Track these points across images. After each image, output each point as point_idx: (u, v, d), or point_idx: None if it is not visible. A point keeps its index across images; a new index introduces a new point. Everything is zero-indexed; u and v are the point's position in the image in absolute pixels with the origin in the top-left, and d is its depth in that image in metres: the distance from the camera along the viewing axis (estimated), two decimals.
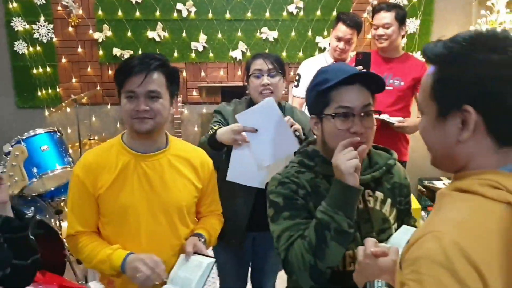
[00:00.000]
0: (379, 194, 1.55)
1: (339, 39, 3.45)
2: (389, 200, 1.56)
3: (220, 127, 2.20)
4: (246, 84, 2.35)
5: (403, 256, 0.95)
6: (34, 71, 4.25)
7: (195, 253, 1.77)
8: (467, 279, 0.82)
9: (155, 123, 1.73)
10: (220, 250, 2.45)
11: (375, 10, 3.30)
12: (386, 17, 3.20)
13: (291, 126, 2.12)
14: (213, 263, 1.77)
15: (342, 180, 1.38)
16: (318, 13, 4.36)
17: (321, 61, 3.73)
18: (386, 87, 3.23)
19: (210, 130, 2.22)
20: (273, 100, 2.03)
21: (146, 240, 1.78)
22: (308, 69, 3.69)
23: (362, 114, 1.44)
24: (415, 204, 4.20)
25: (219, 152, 2.14)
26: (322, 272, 1.37)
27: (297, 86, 3.73)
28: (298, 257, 1.39)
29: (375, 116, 2.91)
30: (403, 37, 3.37)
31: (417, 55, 4.40)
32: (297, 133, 2.11)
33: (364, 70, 2.79)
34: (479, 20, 3.93)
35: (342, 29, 3.42)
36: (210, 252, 2.80)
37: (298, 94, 3.66)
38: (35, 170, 3.20)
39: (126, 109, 1.72)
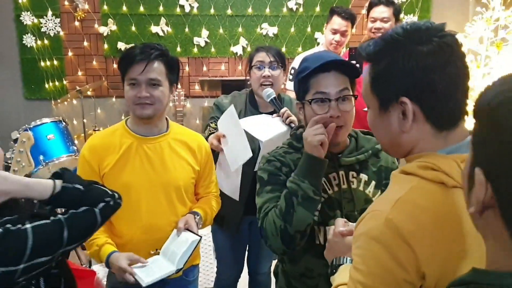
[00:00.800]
0: (363, 176, 1.64)
1: (334, 31, 3.53)
2: (373, 182, 1.64)
3: (215, 123, 2.31)
4: (247, 77, 2.43)
5: (354, 232, 1.05)
6: (42, 63, 4.38)
7: (187, 229, 1.89)
8: (398, 251, 0.92)
9: (155, 109, 1.84)
10: (217, 234, 2.55)
11: (373, 4, 3.32)
12: (385, 11, 3.26)
13: (287, 118, 2.18)
14: (198, 241, 1.87)
15: (308, 152, 1.49)
16: (317, 9, 4.47)
17: None
18: None
19: (208, 127, 2.33)
20: (233, 109, 2.10)
21: (146, 216, 1.89)
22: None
23: (338, 98, 1.54)
24: None
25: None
26: (292, 235, 1.47)
27: (291, 80, 3.84)
28: (271, 223, 1.50)
29: None
30: None
31: None
32: (292, 125, 2.17)
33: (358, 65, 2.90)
34: (475, 16, 4.01)
35: (337, 22, 3.49)
36: (207, 231, 2.89)
37: (292, 88, 3.76)
38: (41, 157, 3.33)
39: (129, 95, 1.83)
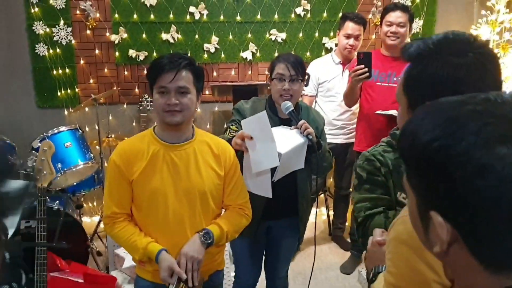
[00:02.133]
0: None
1: (348, 36, 3.66)
2: None
3: (236, 126, 2.36)
4: (268, 82, 2.48)
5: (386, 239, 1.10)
6: (54, 72, 4.43)
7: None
8: (427, 254, 0.95)
9: (184, 116, 1.91)
10: (235, 239, 2.59)
11: (389, 9, 3.41)
12: (401, 16, 3.35)
13: (305, 130, 2.24)
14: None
15: None
16: (325, 14, 4.53)
17: (328, 60, 3.93)
18: (391, 84, 3.42)
19: (228, 129, 2.37)
20: (265, 115, 2.12)
21: (173, 222, 1.95)
22: (316, 69, 3.89)
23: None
24: None
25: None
26: None
27: (306, 85, 3.91)
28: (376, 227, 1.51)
29: (382, 112, 3.13)
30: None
31: None
32: (310, 136, 2.24)
33: (367, 69, 2.97)
34: (480, 20, 4.08)
35: (351, 26, 3.63)
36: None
37: (307, 93, 3.86)
38: (59, 165, 3.39)
39: (159, 103, 1.89)
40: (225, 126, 2.48)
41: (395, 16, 3.35)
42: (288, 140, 2.22)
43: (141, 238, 1.94)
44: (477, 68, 1.04)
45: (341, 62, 3.84)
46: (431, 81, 1.06)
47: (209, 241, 1.95)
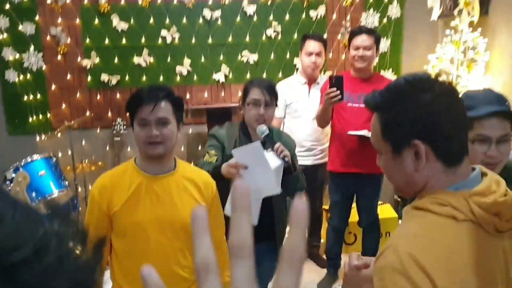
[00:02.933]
0: None
1: (309, 54, 3.79)
2: None
3: (215, 150, 2.40)
4: (240, 105, 2.53)
5: (374, 266, 1.15)
6: (25, 98, 4.39)
7: None
8: (419, 282, 1.02)
9: (166, 147, 1.93)
10: None
11: (355, 33, 3.50)
12: (367, 39, 3.44)
13: (281, 153, 2.30)
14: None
15: None
16: (295, 36, 4.62)
17: (294, 81, 4.03)
18: (361, 105, 3.52)
19: (207, 153, 2.41)
20: (260, 145, 2.15)
21: (156, 254, 1.95)
22: (283, 90, 3.97)
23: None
24: (392, 213, 4.46)
25: (221, 182, 2.24)
26: None
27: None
28: None
29: (354, 132, 3.23)
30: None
31: (388, 73, 4.70)
32: (286, 159, 2.29)
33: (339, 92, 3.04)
34: (445, 39, 4.22)
35: (311, 44, 3.77)
36: None
37: (276, 115, 3.93)
38: (33, 194, 3.36)
39: (140, 135, 1.91)
40: (205, 150, 2.51)
41: (361, 40, 3.44)
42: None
43: None
44: (446, 97, 1.13)
45: (306, 82, 3.93)
46: (411, 120, 1.13)
47: None
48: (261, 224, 2.45)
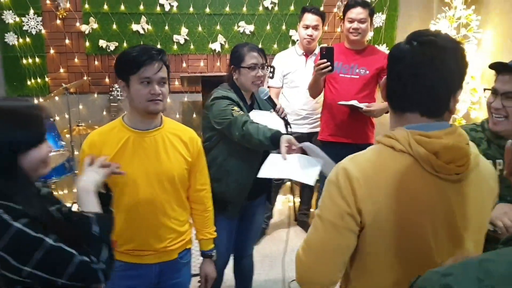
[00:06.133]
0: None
1: (306, 27, 3.87)
2: None
3: (238, 109, 2.43)
4: (233, 72, 2.58)
5: None
6: (24, 61, 4.45)
7: None
8: (343, 189, 1.23)
9: (164, 104, 2.04)
10: (216, 220, 2.50)
11: (350, 5, 3.54)
12: (362, 12, 3.50)
13: (282, 112, 2.56)
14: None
15: None
16: (292, 8, 4.68)
17: (292, 53, 4.11)
18: (353, 76, 3.59)
19: (232, 110, 2.40)
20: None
21: (144, 206, 2.06)
22: (281, 61, 4.06)
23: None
24: None
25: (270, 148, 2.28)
26: None
27: (272, 77, 4.09)
28: None
29: (344, 102, 3.35)
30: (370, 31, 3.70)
31: (383, 47, 4.77)
32: (286, 118, 2.57)
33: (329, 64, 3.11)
34: (439, 15, 4.29)
35: (309, 17, 3.84)
36: None
37: (273, 85, 4.03)
38: None
39: (142, 93, 1.97)
40: (224, 109, 2.45)
41: (356, 12, 3.50)
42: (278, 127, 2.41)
43: None
44: (426, 51, 1.23)
45: (304, 53, 4.01)
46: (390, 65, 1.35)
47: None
48: (260, 179, 2.59)
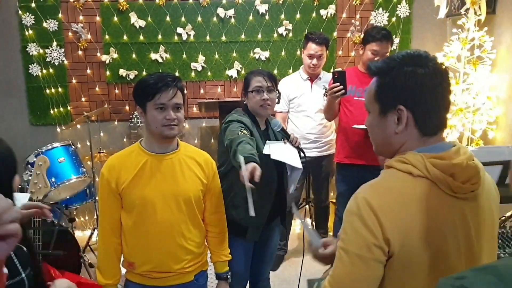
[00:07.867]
0: None
1: (310, 56, 3.92)
2: None
3: (247, 131, 2.45)
4: (243, 98, 2.67)
5: None
6: (47, 91, 4.61)
7: None
8: (369, 221, 1.20)
9: (179, 129, 2.12)
10: (234, 245, 2.55)
11: (377, 39, 3.54)
12: (387, 47, 3.57)
13: (296, 142, 2.63)
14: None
15: None
16: (306, 33, 4.75)
17: (297, 77, 4.17)
18: None
19: (239, 132, 2.40)
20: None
21: (161, 227, 2.12)
22: (286, 86, 4.12)
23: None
24: None
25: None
26: None
27: (278, 102, 4.16)
28: None
29: (358, 126, 3.40)
30: None
31: None
32: (301, 146, 2.64)
33: (342, 87, 3.18)
34: (452, 37, 4.32)
35: (312, 47, 3.89)
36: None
37: (280, 109, 4.09)
38: (53, 179, 3.55)
39: (158, 118, 2.06)
40: (233, 130, 2.45)
41: (381, 46, 3.54)
42: (292, 154, 2.51)
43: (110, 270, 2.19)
44: (437, 76, 1.27)
45: (309, 78, 4.07)
46: (401, 88, 1.28)
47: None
48: (275, 202, 2.65)
